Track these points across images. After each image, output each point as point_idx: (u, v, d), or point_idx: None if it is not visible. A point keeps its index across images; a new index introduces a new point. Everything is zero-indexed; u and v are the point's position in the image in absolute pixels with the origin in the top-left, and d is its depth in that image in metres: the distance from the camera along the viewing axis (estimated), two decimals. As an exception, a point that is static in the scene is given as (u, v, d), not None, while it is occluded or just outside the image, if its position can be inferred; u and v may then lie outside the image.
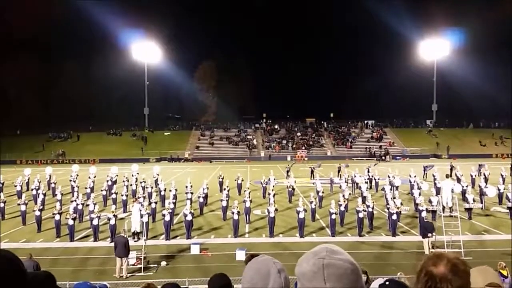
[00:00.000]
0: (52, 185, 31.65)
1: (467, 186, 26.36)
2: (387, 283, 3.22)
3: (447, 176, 27.06)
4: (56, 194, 27.27)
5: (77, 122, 71.92)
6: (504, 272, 10.01)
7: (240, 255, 16.22)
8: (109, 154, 60.48)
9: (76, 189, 29.26)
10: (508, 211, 22.79)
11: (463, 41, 71.73)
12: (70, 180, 31.68)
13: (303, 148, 65.30)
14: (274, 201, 22.22)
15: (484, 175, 31.24)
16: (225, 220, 22.75)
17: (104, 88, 75.71)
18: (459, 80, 69.72)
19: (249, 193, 23.69)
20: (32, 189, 29.44)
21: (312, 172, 37.17)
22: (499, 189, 25.36)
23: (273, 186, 28.07)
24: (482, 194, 24.96)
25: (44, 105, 72.23)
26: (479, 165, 34.08)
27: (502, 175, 29.78)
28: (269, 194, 25.37)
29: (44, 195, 27.13)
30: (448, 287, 1.48)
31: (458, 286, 1.47)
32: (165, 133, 72.20)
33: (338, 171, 34.77)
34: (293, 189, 28.78)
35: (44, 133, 69.96)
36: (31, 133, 69.77)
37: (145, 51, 74.71)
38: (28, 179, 34.02)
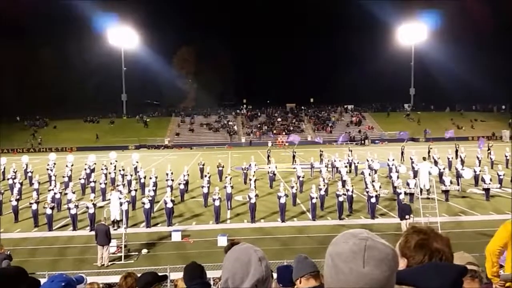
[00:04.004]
0: (29, 174, 31.01)
1: (444, 169, 26.91)
2: None
3: (424, 159, 27.53)
4: (33, 183, 26.75)
5: (53, 110, 70.30)
6: None
7: (222, 241, 16.25)
8: (87, 142, 59.52)
9: (53, 178, 28.80)
10: (484, 192, 23.39)
11: (440, 25, 72.53)
12: (47, 169, 31.16)
13: (284, 133, 65.49)
14: (255, 187, 22.33)
15: (461, 157, 31.89)
16: (206, 206, 22.72)
17: (80, 74, 74.13)
18: (436, 64, 70.71)
19: (230, 179, 23.68)
20: (8, 179, 28.79)
21: (293, 157, 37.34)
22: (475, 171, 25.92)
23: (254, 171, 28.10)
24: (458, 176, 25.47)
25: (18, 91, 70.37)
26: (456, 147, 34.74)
27: (478, 158, 30.41)
28: (250, 179, 25.43)
29: (21, 184, 26.56)
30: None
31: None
32: (147, 120, 71.28)
33: (320, 155, 35.01)
34: (274, 174, 28.89)
35: (19, 121, 68.28)
36: (4, 121, 67.93)
37: (122, 36, 73.16)
38: (4, 168, 33.25)
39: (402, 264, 1.63)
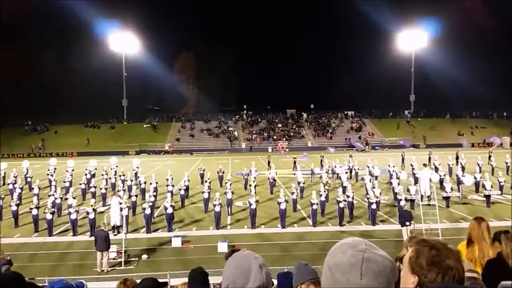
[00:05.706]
0: (29, 179, 31.02)
1: (444, 175, 26.87)
2: None
3: (424, 165, 27.51)
4: (33, 188, 26.74)
5: (54, 115, 70.30)
6: None
7: (222, 247, 16.21)
8: (87, 147, 59.54)
9: (54, 183, 28.77)
10: (484, 199, 23.35)
11: (441, 31, 72.71)
12: (48, 174, 31.13)
13: (284, 139, 65.51)
14: (255, 193, 22.31)
15: (461, 164, 31.86)
16: (206, 212, 22.70)
17: (82, 80, 74.18)
18: (436, 71, 70.78)
19: (231, 184, 23.67)
20: (8, 184, 28.80)
21: (294, 163, 37.33)
22: (475, 178, 25.88)
23: (255, 177, 28.08)
24: (459, 182, 25.42)
25: (19, 96, 70.37)
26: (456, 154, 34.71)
27: (478, 164, 30.38)
28: (250, 185, 25.41)
29: (21, 189, 26.56)
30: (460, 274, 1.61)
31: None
32: (145, 125, 71.41)
33: (321, 161, 34.98)
34: (275, 180, 28.87)
35: (19, 125, 68.34)
36: (5, 125, 67.93)
37: (123, 42, 73.35)
38: (4, 173, 33.25)
39: (413, 280, 1.60)
